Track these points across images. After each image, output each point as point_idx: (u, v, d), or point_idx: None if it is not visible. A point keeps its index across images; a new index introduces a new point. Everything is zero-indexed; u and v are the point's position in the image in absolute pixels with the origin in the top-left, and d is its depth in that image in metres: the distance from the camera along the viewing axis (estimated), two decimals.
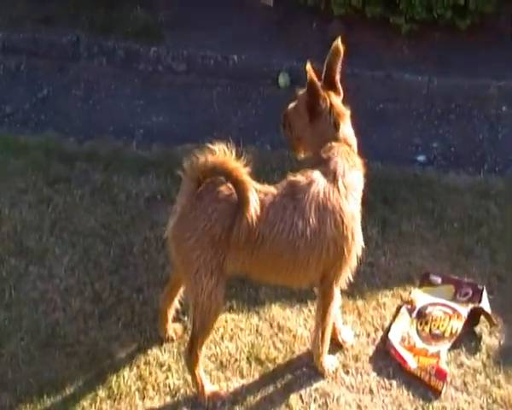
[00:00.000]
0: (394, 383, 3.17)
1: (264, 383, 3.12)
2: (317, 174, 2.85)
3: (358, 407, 3.06)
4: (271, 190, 2.85)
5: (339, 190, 2.83)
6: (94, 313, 3.32)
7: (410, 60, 5.52)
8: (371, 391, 3.12)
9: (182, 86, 5.21)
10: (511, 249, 3.94)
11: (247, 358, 3.22)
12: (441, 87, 5.31)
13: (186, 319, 3.29)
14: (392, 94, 5.30)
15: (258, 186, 2.83)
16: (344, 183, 2.85)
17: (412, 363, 3.18)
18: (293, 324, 3.41)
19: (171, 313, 3.22)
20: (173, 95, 5.10)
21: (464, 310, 3.41)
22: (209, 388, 3.01)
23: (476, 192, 4.42)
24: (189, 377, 3.07)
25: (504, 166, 4.73)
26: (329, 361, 3.17)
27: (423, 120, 5.17)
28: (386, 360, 3.27)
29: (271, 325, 3.40)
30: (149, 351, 3.17)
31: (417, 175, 4.56)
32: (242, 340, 3.29)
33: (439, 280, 3.66)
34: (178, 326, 3.29)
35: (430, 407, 3.05)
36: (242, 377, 3.13)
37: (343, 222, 2.83)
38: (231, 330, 3.35)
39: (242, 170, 2.72)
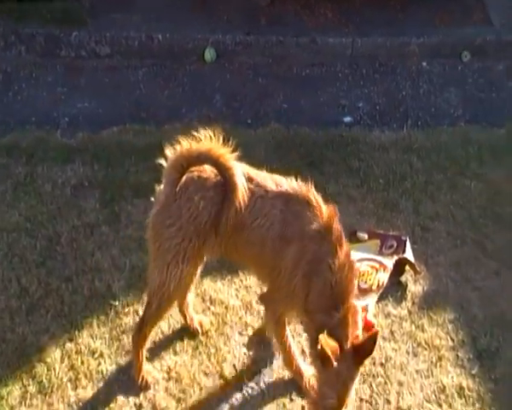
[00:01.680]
0: None
1: (197, 357, 3.03)
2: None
3: None
4: (266, 184, 2.69)
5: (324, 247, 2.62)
6: (21, 309, 3.16)
7: (333, 24, 5.43)
8: (303, 352, 3.06)
9: (106, 70, 4.98)
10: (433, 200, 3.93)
11: (180, 334, 3.12)
12: (365, 47, 5.24)
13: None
14: (317, 58, 5.21)
15: (253, 174, 2.69)
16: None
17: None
18: (224, 295, 3.32)
19: (189, 307, 3.10)
20: (98, 79, 4.87)
21: (390, 262, 3.40)
22: (145, 367, 2.91)
23: (400, 148, 4.40)
24: (122, 362, 2.97)
25: (426, 120, 4.71)
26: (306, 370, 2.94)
27: (349, 81, 5.10)
28: None
29: (203, 299, 3.31)
30: (80, 340, 3.04)
31: (343, 136, 4.50)
32: (174, 317, 3.19)
33: (365, 236, 3.63)
34: (205, 319, 3.18)
35: None
36: (175, 353, 3.04)
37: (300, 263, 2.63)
38: None
39: (229, 156, 2.56)
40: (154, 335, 3.09)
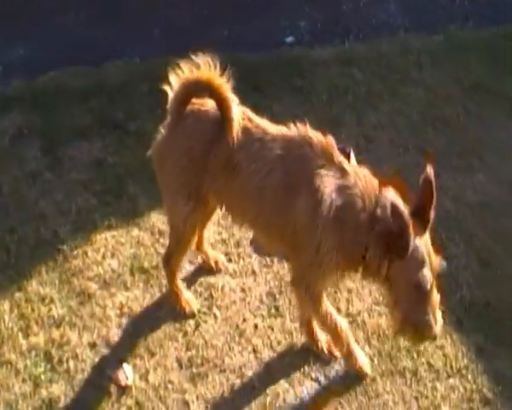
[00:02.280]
0: (275, 259, 3.10)
1: (149, 290, 3.00)
2: (334, 166, 2.37)
3: (242, 290, 3.00)
4: (266, 126, 2.48)
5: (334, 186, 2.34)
6: None
7: None
8: (254, 272, 3.06)
9: (43, 13, 4.71)
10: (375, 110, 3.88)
11: (131, 270, 3.07)
12: None
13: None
14: None
15: (253, 116, 2.51)
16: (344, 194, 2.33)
17: None
18: None
19: (204, 245, 3.00)
20: (34, 24, 4.61)
21: None
22: (186, 295, 2.88)
23: (341, 62, 4.32)
24: (73, 303, 2.92)
25: (366, 32, 4.61)
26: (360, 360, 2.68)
27: (288, 1, 4.92)
28: None
29: (152, 233, 3.24)
30: (29, 288, 2.97)
31: (286, 57, 4.39)
32: (124, 254, 3.13)
33: None
34: (220, 256, 3.08)
35: None
36: (127, 289, 2.99)
37: (317, 210, 2.33)
38: (112, 247, 3.17)
39: (226, 87, 2.40)
40: (104, 273, 3.05)
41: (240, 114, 2.45)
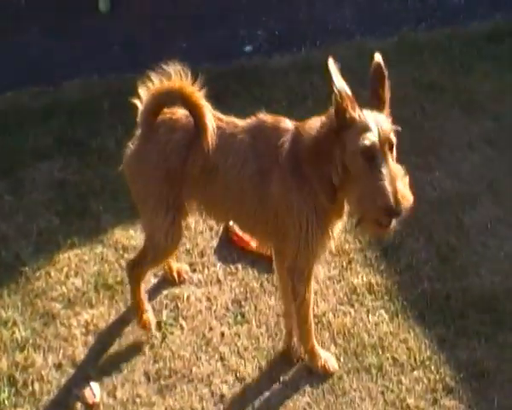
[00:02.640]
0: (240, 266, 3.11)
1: (114, 306, 2.97)
2: (290, 129, 2.40)
3: (208, 299, 2.99)
4: (235, 121, 2.52)
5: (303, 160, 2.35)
6: None
7: None
8: (219, 281, 3.06)
9: None
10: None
11: (95, 287, 3.04)
12: None
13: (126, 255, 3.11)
14: None
15: (222, 116, 2.53)
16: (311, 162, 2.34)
17: (253, 243, 3.10)
18: (137, 241, 3.24)
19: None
20: None
21: None
22: (147, 310, 2.84)
23: (300, 69, 4.36)
24: (36, 325, 2.88)
25: (323, 38, 4.65)
26: (325, 357, 2.69)
27: (246, 11, 4.95)
28: (229, 248, 3.19)
29: (116, 249, 3.22)
30: None
31: (244, 66, 4.42)
32: (88, 272, 3.11)
33: None
34: (184, 267, 3.06)
35: (274, 278, 3.00)
36: (92, 307, 2.97)
37: (288, 191, 2.37)
38: (76, 265, 3.14)
39: (199, 94, 2.40)
40: (68, 292, 3.02)
41: (213, 119, 2.46)
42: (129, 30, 4.75)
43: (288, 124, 2.46)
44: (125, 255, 3.18)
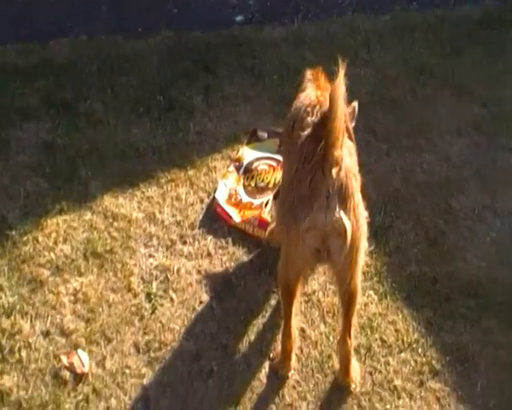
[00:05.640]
0: (230, 240, 3.01)
1: (103, 275, 2.86)
2: None
3: (198, 272, 2.90)
4: None
5: None
6: None
7: None
8: (209, 254, 2.96)
9: None
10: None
11: (84, 255, 2.92)
12: None
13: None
14: None
15: None
16: None
17: (236, 218, 3.03)
18: (127, 209, 3.12)
19: None
20: None
21: None
22: None
23: (291, 42, 4.21)
24: (24, 291, 2.75)
25: (316, 12, 4.50)
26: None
27: None
28: (220, 220, 3.09)
29: (105, 216, 3.09)
30: None
31: (236, 36, 4.25)
32: (77, 239, 2.98)
33: (265, 135, 3.48)
34: None
35: (264, 254, 2.93)
36: (81, 274, 2.85)
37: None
38: (64, 231, 3.01)
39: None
40: (56, 258, 2.89)
41: None
42: None
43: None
44: (115, 223, 3.06)
